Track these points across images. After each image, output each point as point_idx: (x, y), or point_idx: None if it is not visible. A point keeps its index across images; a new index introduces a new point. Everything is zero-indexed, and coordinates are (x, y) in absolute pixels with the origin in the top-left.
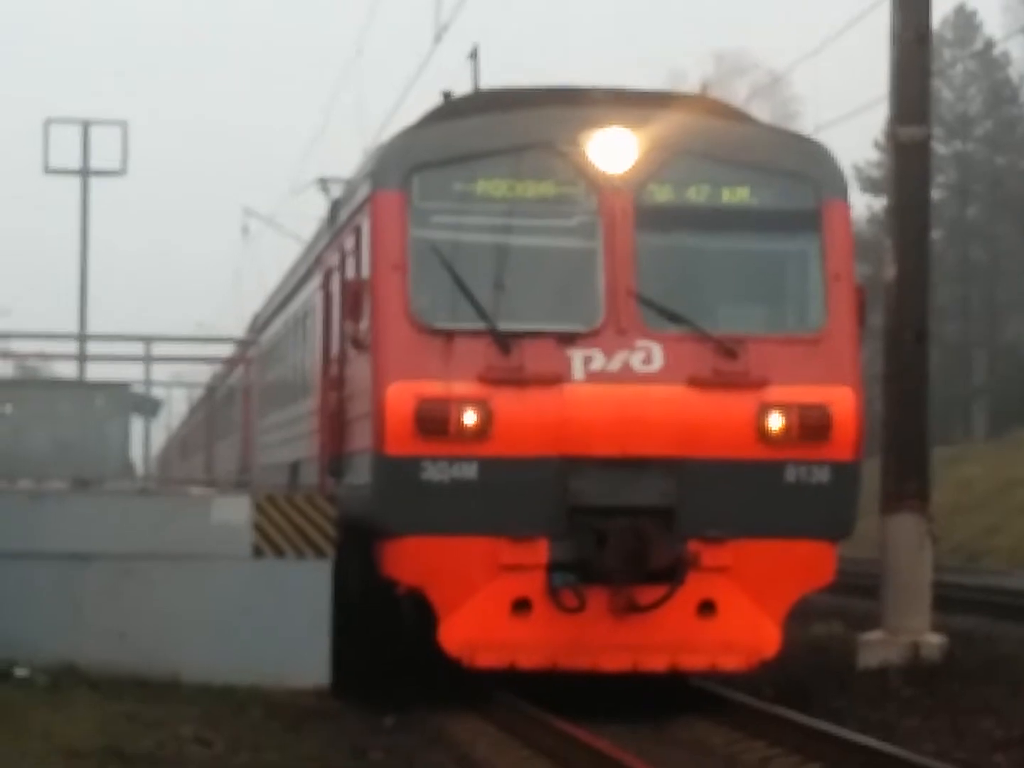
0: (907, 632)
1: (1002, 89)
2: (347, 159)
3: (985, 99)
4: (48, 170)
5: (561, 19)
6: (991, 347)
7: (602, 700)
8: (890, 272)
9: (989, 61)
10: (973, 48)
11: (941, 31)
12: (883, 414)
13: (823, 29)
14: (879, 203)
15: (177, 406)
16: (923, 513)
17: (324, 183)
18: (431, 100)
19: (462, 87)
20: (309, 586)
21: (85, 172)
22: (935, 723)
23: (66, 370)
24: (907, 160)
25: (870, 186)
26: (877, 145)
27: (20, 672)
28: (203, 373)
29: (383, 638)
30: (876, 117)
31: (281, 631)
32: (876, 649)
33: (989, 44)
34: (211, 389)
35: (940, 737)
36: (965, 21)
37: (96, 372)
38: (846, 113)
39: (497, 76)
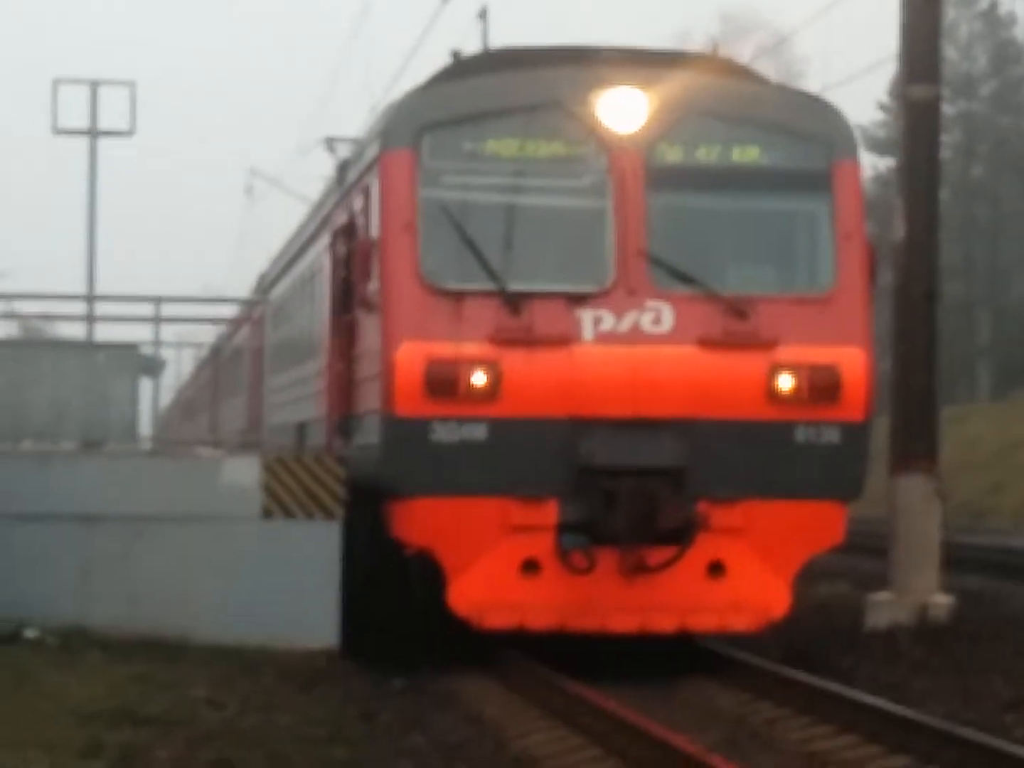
0: (915, 592)
1: (1007, 49)
2: (354, 119)
3: (990, 59)
4: (57, 131)
5: None
6: (995, 307)
7: (610, 662)
8: (899, 231)
9: (994, 20)
10: (978, 8)
11: None
12: (892, 374)
13: None
14: (884, 163)
15: (179, 367)
16: (931, 473)
17: (331, 143)
18: (440, 60)
19: (471, 47)
20: (318, 547)
21: (93, 133)
22: (944, 684)
23: (71, 332)
24: (917, 119)
25: (875, 146)
26: (882, 106)
27: (30, 634)
28: (207, 334)
29: (392, 600)
30: (879, 78)
31: (290, 593)
32: (884, 610)
33: (994, 3)
34: (216, 350)
35: (949, 698)
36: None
37: (103, 333)
38: (853, 73)
39: (505, 36)
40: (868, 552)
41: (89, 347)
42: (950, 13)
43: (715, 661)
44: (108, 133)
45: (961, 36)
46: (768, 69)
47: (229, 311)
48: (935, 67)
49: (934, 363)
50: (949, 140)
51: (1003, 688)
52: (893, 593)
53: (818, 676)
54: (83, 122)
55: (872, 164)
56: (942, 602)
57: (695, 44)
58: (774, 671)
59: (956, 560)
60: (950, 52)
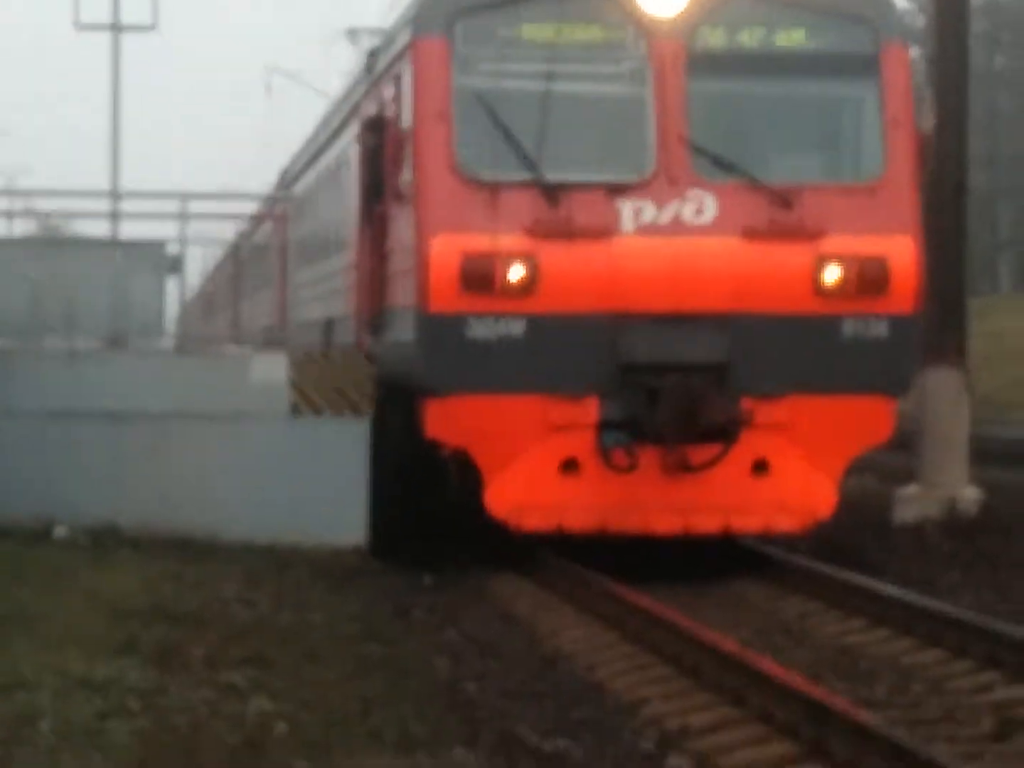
0: (944, 486)
1: None
2: (377, 10)
3: None
4: (79, 26)
5: None
6: (1018, 198)
7: (643, 561)
8: (928, 122)
9: None
10: None
11: None
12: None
13: None
14: (915, 53)
15: (204, 264)
16: (960, 367)
17: (353, 34)
18: None
19: None
20: (347, 445)
21: (116, 27)
22: (975, 578)
23: (93, 229)
24: (946, 7)
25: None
26: None
27: (61, 532)
28: (226, 231)
29: (425, 501)
30: None
31: (319, 491)
32: (913, 504)
33: None
34: (237, 247)
35: (981, 592)
36: None
37: (125, 231)
38: None
39: None
40: (895, 446)
41: (113, 245)
42: None
43: (747, 557)
44: (131, 28)
45: None
46: None
47: (252, 208)
48: None
49: (963, 256)
50: (974, 29)
51: None
52: (921, 487)
53: (848, 570)
54: (106, 17)
55: None
56: (971, 496)
57: None
58: (804, 566)
59: (983, 453)
60: None
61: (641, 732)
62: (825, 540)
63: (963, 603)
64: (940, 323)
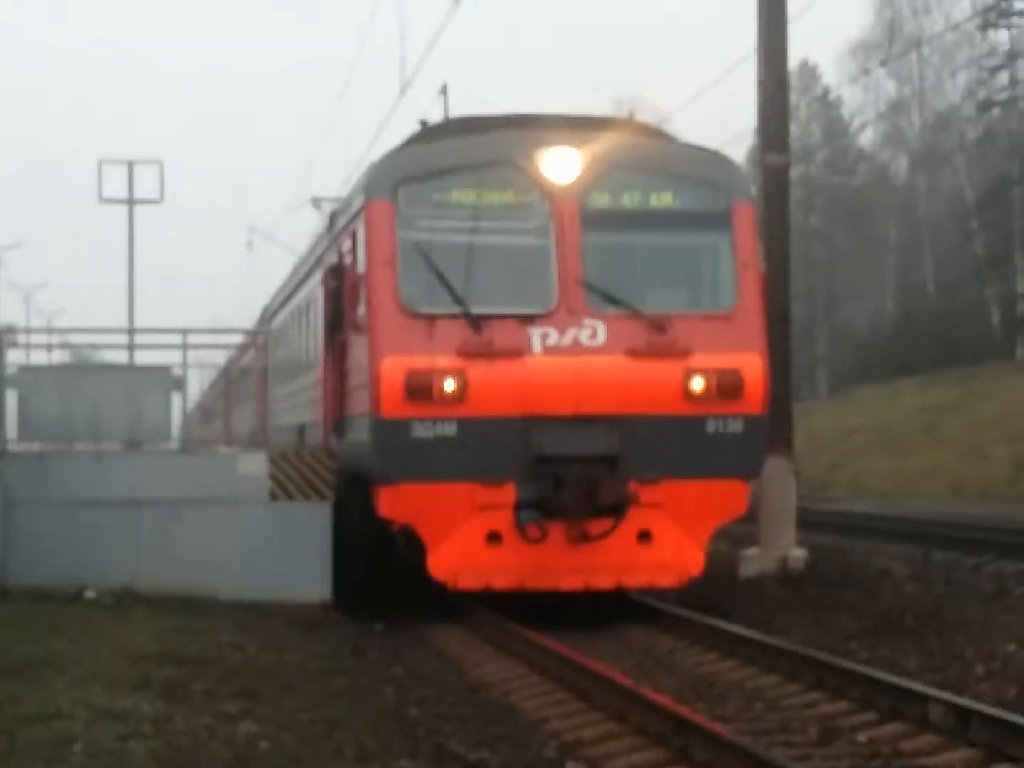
0: (778, 548)
1: (836, 125)
2: (333, 184)
3: (823, 132)
4: (102, 200)
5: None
6: (830, 325)
7: (552, 612)
8: (762, 267)
9: (826, 103)
10: (814, 94)
11: (790, 79)
12: None
13: (702, 77)
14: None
15: (200, 383)
16: (789, 456)
17: (316, 201)
18: (408, 130)
19: (435, 117)
20: (314, 522)
21: (131, 202)
22: (802, 619)
23: (114, 357)
24: (772, 180)
25: None
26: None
27: (90, 594)
28: (218, 356)
29: (377, 566)
30: (741, 149)
31: (294, 558)
32: (754, 561)
33: (826, 90)
34: (227, 369)
35: (807, 629)
36: (808, 72)
37: (139, 358)
38: (719, 145)
39: (463, 109)
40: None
41: (130, 369)
42: (793, 98)
43: (632, 607)
44: (142, 201)
45: (801, 115)
46: None
47: (239, 338)
48: (786, 139)
49: (788, 370)
50: (793, 196)
51: (848, 622)
52: (761, 548)
53: (706, 615)
54: (122, 193)
55: None
56: (799, 555)
57: None
58: (674, 612)
59: (806, 523)
60: (793, 127)
61: (545, 743)
62: (689, 591)
63: (794, 639)
64: (773, 422)
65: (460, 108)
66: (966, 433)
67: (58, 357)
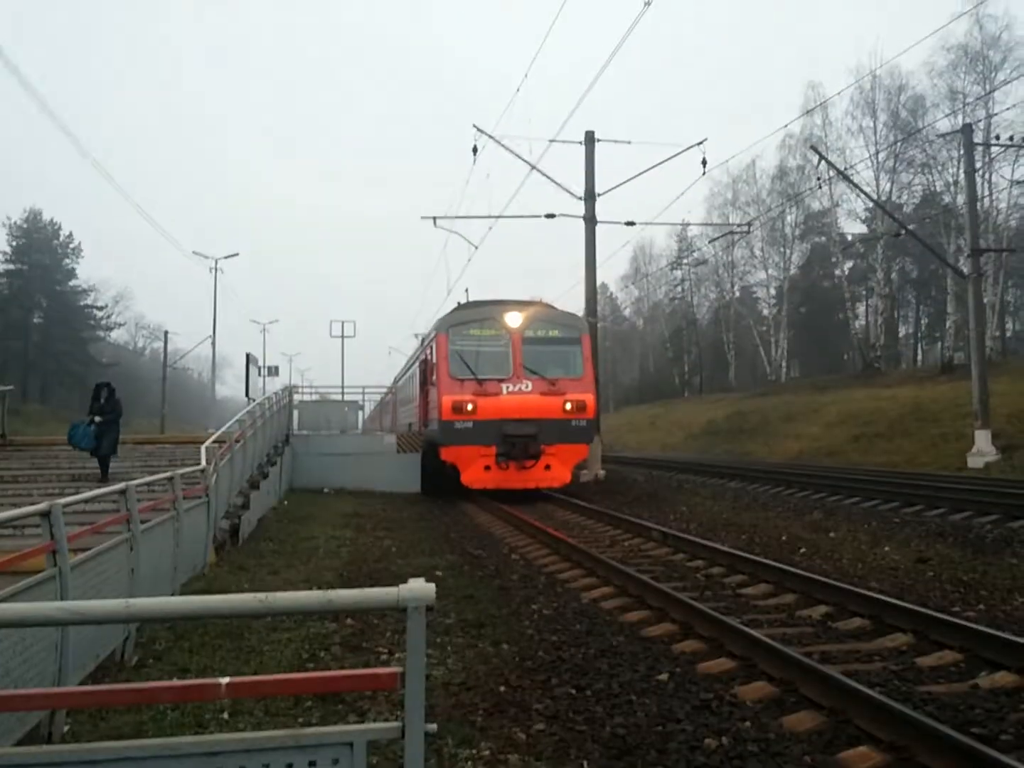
0: (593, 470)
1: (616, 308)
2: (421, 325)
3: (610, 310)
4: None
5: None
6: (614, 382)
7: (509, 497)
8: (593, 361)
9: (610, 299)
10: (606, 295)
11: (597, 289)
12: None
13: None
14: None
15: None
16: (599, 434)
17: (417, 335)
18: (451, 305)
19: (463, 299)
20: (413, 461)
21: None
22: (603, 498)
23: (335, 394)
24: (592, 328)
25: None
26: None
27: (326, 490)
28: (376, 394)
29: (439, 480)
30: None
31: (405, 475)
32: (585, 476)
33: (612, 293)
34: (381, 401)
35: (604, 502)
36: (603, 287)
37: (346, 395)
38: (575, 309)
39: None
40: (583, 460)
41: (341, 401)
42: (600, 295)
43: (545, 496)
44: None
45: (601, 303)
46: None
47: (385, 388)
48: (595, 311)
49: (598, 400)
50: (603, 340)
51: (621, 500)
52: (587, 470)
53: (569, 497)
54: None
55: None
56: (602, 473)
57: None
58: (557, 496)
59: (606, 459)
60: (600, 306)
61: (504, 546)
62: (564, 489)
63: (600, 506)
64: (595, 421)
65: (475, 290)
66: (666, 425)
67: (311, 396)
